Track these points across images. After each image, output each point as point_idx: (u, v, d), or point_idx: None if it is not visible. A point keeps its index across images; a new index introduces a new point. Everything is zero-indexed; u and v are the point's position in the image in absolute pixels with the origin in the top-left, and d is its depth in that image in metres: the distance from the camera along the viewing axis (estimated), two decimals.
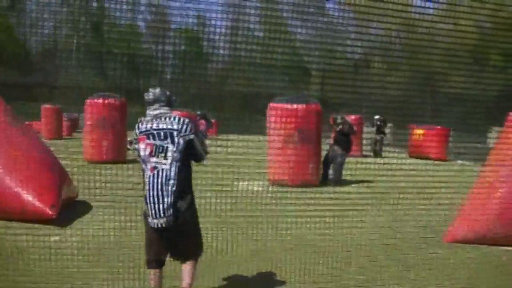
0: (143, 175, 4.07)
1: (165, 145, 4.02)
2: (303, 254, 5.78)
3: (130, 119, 17.78)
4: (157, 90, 4.25)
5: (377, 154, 22.09)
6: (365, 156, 20.90)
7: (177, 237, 4.14)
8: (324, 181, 13.63)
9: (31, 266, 5.32)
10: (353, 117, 20.64)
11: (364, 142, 23.52)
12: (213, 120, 24.64)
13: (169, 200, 3.91)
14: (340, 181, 13.13)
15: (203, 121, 4.79)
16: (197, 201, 4.35)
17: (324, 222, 6.00)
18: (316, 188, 10.45)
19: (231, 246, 5.70)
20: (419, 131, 20.33)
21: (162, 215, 3.92)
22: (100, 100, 16.65)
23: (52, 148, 8.87)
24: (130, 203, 5.56)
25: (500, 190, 7.44)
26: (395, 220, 5.78)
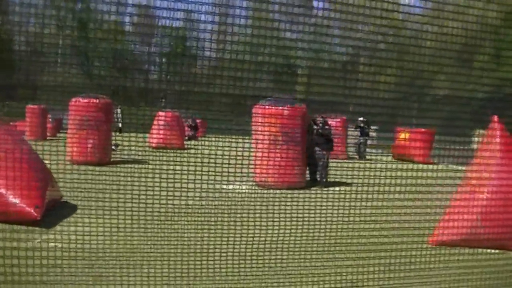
0: None
1: None
2: (289, 255, 5.76)
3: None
4: None
5: (361, 156, 22.19)
6: (350, 158, 20.99)
7: None
8: (314, 183, 13.76)
9: (14, 269, 5.24)
10: (338, 119, 20.74)
11: (349, 144, 23.68)
12: (198, 121, 24.50)
13: None
14: (326, 183, 13.18)
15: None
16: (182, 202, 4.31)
17: (309, 224, 5.99)
18: (302, 190, 10.45)
19: (220, 247, 5.64)
20: (404, 133, 20.43)
21: None
22: (85, 100, 16.56)
23: (36, 149, 8.76)
24: (115, 204, 5.50)
25: (484, 193, 7.50)
26: (380, 221, 5.77)
